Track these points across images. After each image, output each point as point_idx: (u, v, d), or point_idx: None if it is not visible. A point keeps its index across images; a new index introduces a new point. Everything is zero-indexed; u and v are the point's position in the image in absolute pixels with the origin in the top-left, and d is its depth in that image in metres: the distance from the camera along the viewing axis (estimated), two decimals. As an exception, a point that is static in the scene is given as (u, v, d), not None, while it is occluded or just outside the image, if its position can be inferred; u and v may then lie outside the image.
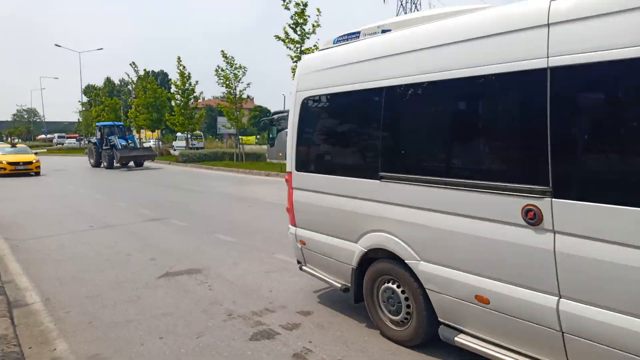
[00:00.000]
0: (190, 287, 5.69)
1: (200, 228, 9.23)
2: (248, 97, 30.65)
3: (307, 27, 21.51)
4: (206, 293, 5.46)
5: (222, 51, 27.37)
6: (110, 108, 43.84)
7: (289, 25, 21.46)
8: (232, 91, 27.95)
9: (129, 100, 47.83)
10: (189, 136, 36.12)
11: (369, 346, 4.03)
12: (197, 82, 32.16)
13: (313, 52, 21.90)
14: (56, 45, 51.40)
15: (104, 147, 28.30)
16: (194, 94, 32.34)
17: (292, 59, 21.87)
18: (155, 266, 6.58)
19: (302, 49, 21.70)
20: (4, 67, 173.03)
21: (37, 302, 5.20)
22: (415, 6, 62.77)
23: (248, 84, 28.52)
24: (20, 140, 59.10)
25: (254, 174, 22.03)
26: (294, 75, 22.93)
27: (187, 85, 31.75)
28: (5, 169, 21.51)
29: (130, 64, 37.99)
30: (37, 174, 22.26)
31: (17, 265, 6.62)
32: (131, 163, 28.31)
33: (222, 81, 27.71)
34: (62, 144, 69.49)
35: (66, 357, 3.88)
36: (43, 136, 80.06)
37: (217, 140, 55.99)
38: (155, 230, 9.08)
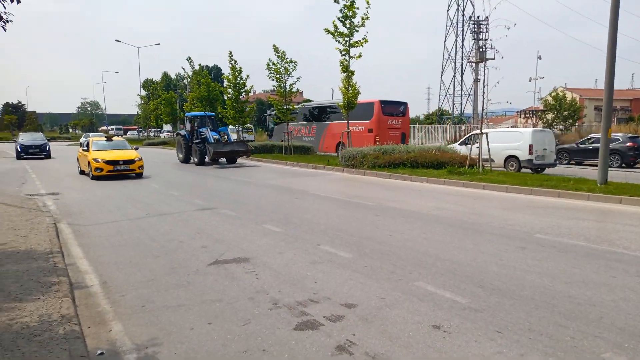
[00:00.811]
0: (238, 275, 5.83)
1: (249, 218, 9.43)
2: (298, 90, 30.87)
3: (356, 20, 21.35)
4: (253, 281, 5.57)
5: (274, 45, 27.78)
6: (167, 101, 45.61)
7: (338, 18, 21.37)
8: (282, 85, 28.31)
9: (184, 94, 49.46)
10: (240, 129, 36.87)
11: (413, 342, 3.97)
12: (248, 75, 32.72)
13: (362, 45, 22.01)
14: (117, 40, 53.84)
15: (194, 141, 24.95)
16: (245, 88, 32.96)
17: (341, 52, 21.82)
18: (206, 253, 6.80)
19: (351, 42, 21.59)
20: (70, 63, 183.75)
21: (96, 284, 5.51)
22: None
23: (298, 78, 28.76)
24: (118, 132, 59.13)
25: (302, 167, 22.24)
26: (342, 68, 22.98)
27: (238, 79, 32.38)
28: (102, 169, 16.58)
29: (187, 59, 39.19)
30: (140, 175, 17.54)
31: (79, 250, 7.03)
32: (222, 159, 25.02)
33: (272, 75, 28.14)
34: (120, 135, 73.09)
35: (120, 338, 4.09)
36: (105, 128, 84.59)
37: (266, 133, 56.95)
38: (206, 219, 9.36)
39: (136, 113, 69.72)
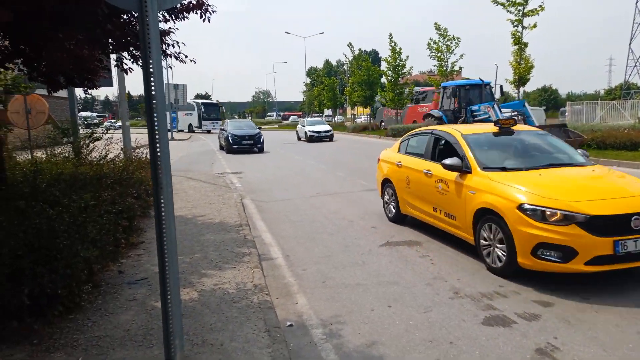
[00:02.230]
0: (412, 258, 5.65)
1: (415, 201, 9.19)
2: (460, 68, 29.30)
3: (533, -14, 19.21)
4: (428, 267, 5.34)
5: (436, 23, 26.71)
6: (329, 87, 47.52)
7: (511, -14, 19.49)
8: (443, 64, 27.09)
9: (344, 78, 50.95)
10: (397, 111, 36.53)
11: (636, 354, 3.31)
12: (407, 57, 32.14)
13: (537, 13, 19.65)
14: (286, 32, 58.04)
15: None
16: (405, 70, 32.43)
17: (513, 23, 19.89)
18: (376, 234, 6.78)
19: (525, 11, 19.50)
20: (245, 56, 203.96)
21: (279, 257, 5.88)
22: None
23: (461, 55, 27.21)
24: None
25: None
26: (514, 40, 20.69)
27: (397, 60, 32.00)
28: (576, 254, 4.35)
29: (348, 45, 40.14)
30: None
31: (262, 224, 7.63)
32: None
33: (433, 54, 27.09)
34: (282, 120, 78.30)
35: (306, 312, 4.25)
36: (273, 114, 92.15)
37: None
38: (372, 199, 9.37)
39: (301, 100, 74.35)
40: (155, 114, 2.31)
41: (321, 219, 7.88)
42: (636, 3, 53.80)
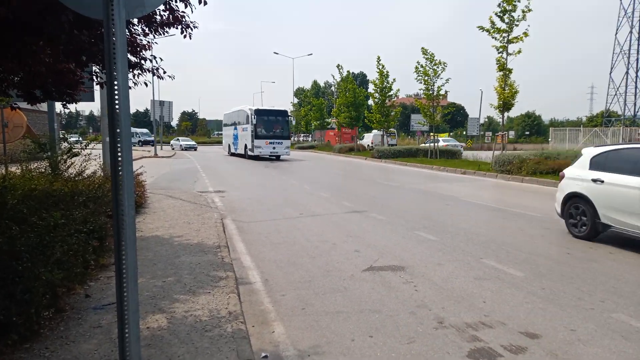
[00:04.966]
0: (395, 284, 5.47)
1: (398, 223, 9.04)
2: (446, 92, 29.74)
3: (516, 14, 19.75)
4: (412, 294, 5.16)
5: (423, 48, 27.09)
6: (317, 107, 47.77)
7: (496, 13, 20.03)
8: (430, 87, 27.43)
9: (332, 99, 51.37)
10: (384, 133, 36.77)
11: (627, 394, 3.15)
12: (394, 79, 32.54)
13: (522, 39, 20.16)
14: (275, 52, 58.48)
15: None
16: (392, 92, 32.83)
17: (498, 49, 20.34)
18: (359, 258, 6.59)
19: (509, 37, 20.00)
20: (233, 75, 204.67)
21: (258, 281, 5.64)
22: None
23: (447, 80, 27.59)
24: None
25: (449, 171, 21.14)
26: (498, 67, 21.24)
27: (385, 83, 32.39)
28: None
29: (337, 66, 40.61)
30: None
31: (242, 245, 7.39)
32: None
33: (421, 77, 27.43)
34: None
35: (283, 341, 4.02)
36: None
37: (409, 137, 56.36)
38: (356, 222, 9.22)
39: (288, 119, 74.64)
40: (118, 130, 2.13)
41: (303, 241, 7.64)
42: (615, 34, 55.66)
